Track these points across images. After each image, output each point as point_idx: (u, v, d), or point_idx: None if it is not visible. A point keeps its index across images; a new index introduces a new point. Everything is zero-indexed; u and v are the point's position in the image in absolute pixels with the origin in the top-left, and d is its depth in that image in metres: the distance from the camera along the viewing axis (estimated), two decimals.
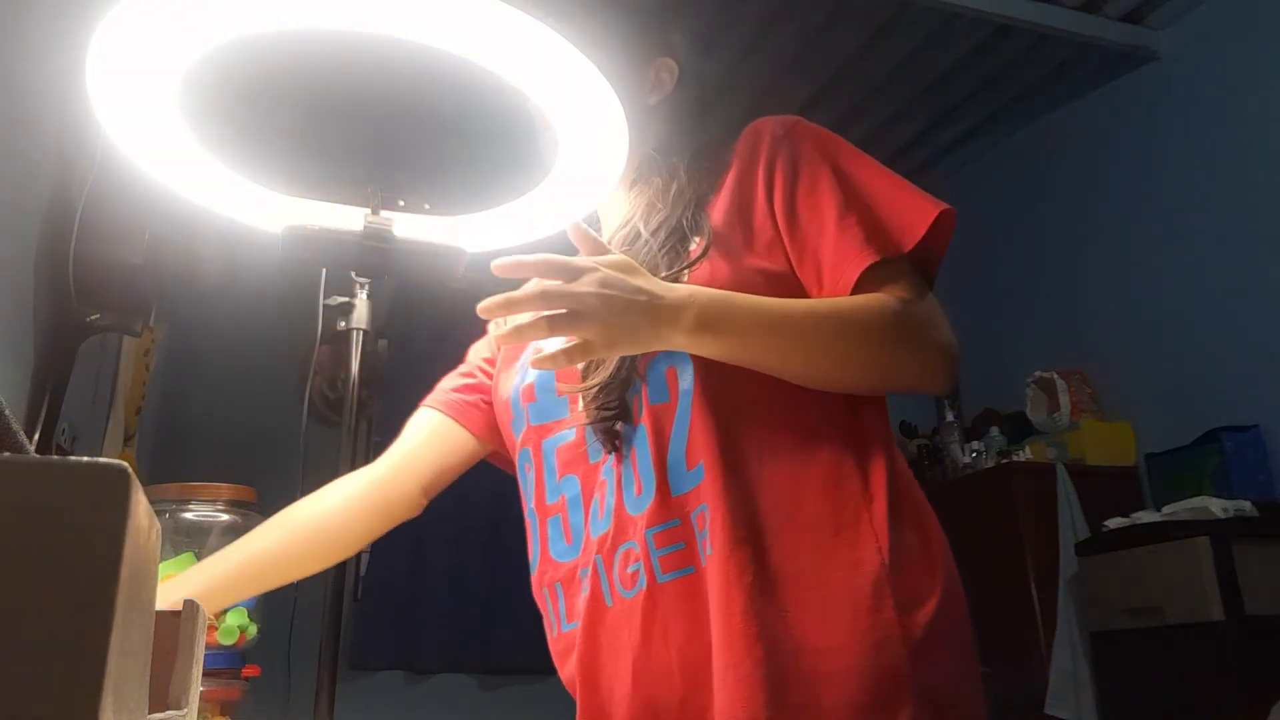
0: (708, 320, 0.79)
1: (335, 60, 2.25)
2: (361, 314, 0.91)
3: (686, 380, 0.87)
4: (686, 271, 0.89)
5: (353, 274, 0.92)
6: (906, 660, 0.78)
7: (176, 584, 0.96)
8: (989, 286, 3.88)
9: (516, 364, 1.04)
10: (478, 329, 1.17)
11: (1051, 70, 3.40)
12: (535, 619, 0.99)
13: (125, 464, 0.27)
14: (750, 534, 0.82)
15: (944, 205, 0.87)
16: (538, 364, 0.80)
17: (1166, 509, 2.67)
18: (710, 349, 0.82)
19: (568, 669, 0.93)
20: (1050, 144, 3.68)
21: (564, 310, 0.76)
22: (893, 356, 0.85)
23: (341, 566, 0.92)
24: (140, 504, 0.29)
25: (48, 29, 1.15)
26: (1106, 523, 2.78)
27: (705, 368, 0.86)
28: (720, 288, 0.85)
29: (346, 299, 0.91)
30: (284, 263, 0.89)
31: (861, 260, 0.85)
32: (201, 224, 1.43)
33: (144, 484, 0.31)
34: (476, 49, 0.82)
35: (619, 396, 0.89)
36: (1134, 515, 2.74)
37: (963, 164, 4.06)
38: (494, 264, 0.77)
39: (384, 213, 0.92)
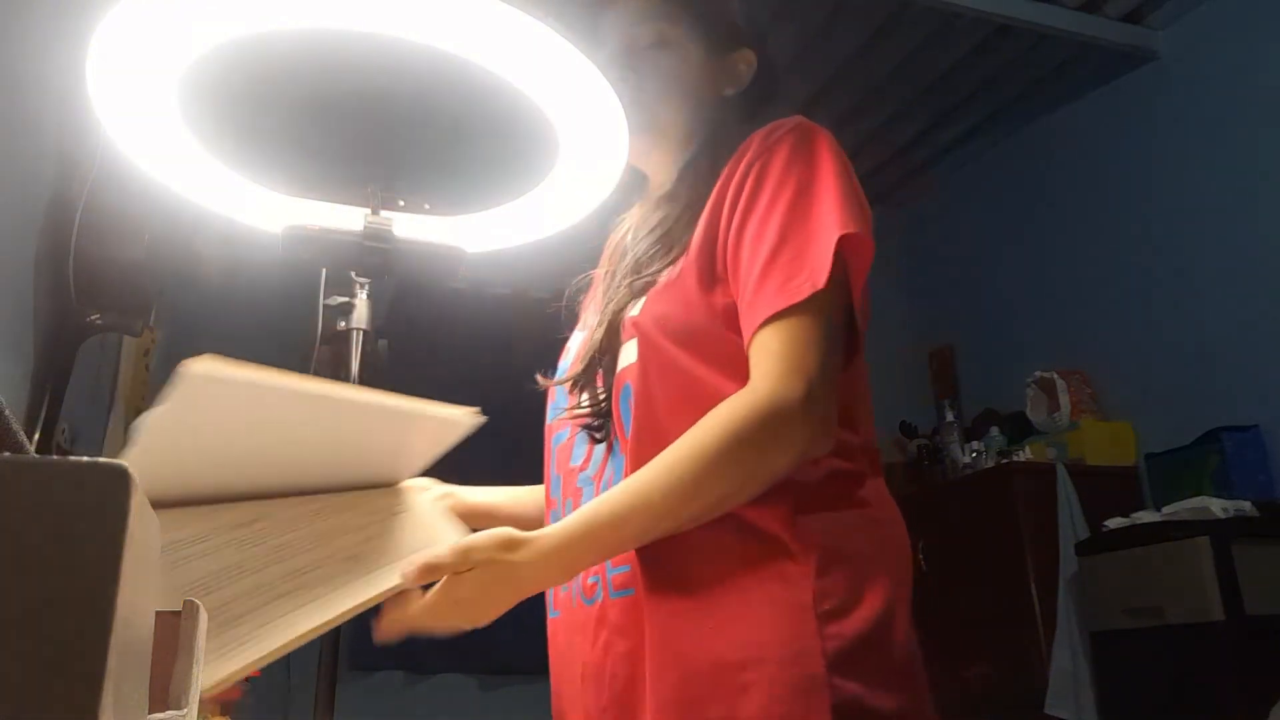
0: (569, 561, 0.80)
1: (335, 60, 2.24)
2: (361, 314, 0.91)
3: (627, 420, 0.90)
4: (654, 281, 0.92)
5: (353, 274, 0.92)
6: (824, 671, 0.77)
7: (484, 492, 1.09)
8: (989, 286, 3.88)
9: (564, 355, 1.08)
10: (478, 329, 1.17)
11: (1051, 70, 3.40)
12: (536, 619, 1.00)
13: (125, 464, 0.27)
14: (678, 557, 0.83)
15: (844, 229, 0.83)
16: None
17: (1166, 509, 2.67)
18: (578, 570, 0.84)
19: (551, 654, 0.98)
20: (1050, 144, 3.68)
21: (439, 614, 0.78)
22: (760, 468, 0.81)
23: None
24: (140, 504, 0.29)
25: (48, 29, 1.15)
26: (1106, 523, 2.78)
27: (642, 406, 0.88)
28: (659, 317, 0.89)
29: (346, 299, 0.91)
30: (284, 263, 0.89)
31: (767, 307, 0.84)
32: (201, 224, 1.44)
33: None
34: (477, 49, 0.82)
35: (589, 393, 0.95)
36: (1134, 515, 2.74)
37: (963, 164, 4.06)
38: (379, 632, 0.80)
39: (384, 213, 0.92)
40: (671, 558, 0.84)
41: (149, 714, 0.40)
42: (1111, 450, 3.17)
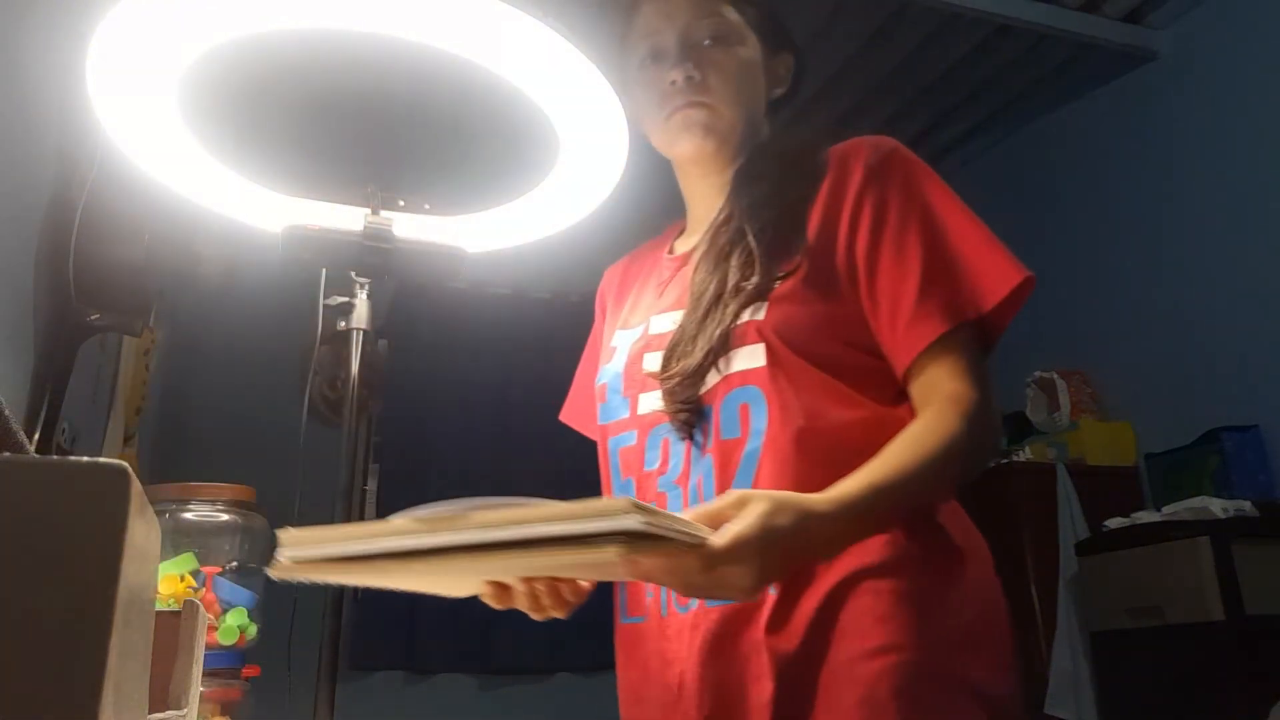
0: (843, 540, 0.80)
1: (335, 60, 2.25)
2: (361, 314, 0.91)
3: (760, 420, 0.88)
4: (774, 287, 0.90)
5: (353, 274, 0.92)
6: (958, 661, 0.82)
7: None
8: None
9: (604, 353, 1.07)
10: (478, 329, 1.17)
11: (1051, 70, 3.40)
12: (534, 620, 1.00)
13: (125, 464, 0.27)
14: (802, 588, 0.83)
15: (1027, 272, 0.88)
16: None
17: (1166, 509, 2.67)
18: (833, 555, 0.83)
19: (632, 661, 0.95)
20: (1050, 144, 3.68)
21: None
22: (967, 469, 0.87)
23: None
24: (140, 504, 0.29)
25: (48, 29, 1.15)
26: (1106, 523, 2.77)
27: (783, 412, 0.86)
28: (789, 325, 0.88)
29: (346, 299, 0.91)
30: (284, 263, 0.89)
31: (934, 328, 0.86)
32: (201, 224, 1.44)
33: (144, 484, 0.31)
34: (477, 49, 0.82)
35: (697, 390, 0.90)
36: (1134, 515, 2.74)
37: (963, 164, 4.06)
38: None
39: (384, 213, 0.92)
40: (802, 592, 0.84)
41: (149, 714, 0.40)
42: (1111, 450, 3.16)
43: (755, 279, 0.90)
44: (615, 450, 0.98)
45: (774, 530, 0.69)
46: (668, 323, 0.97)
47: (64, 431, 1.29)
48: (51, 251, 1.18)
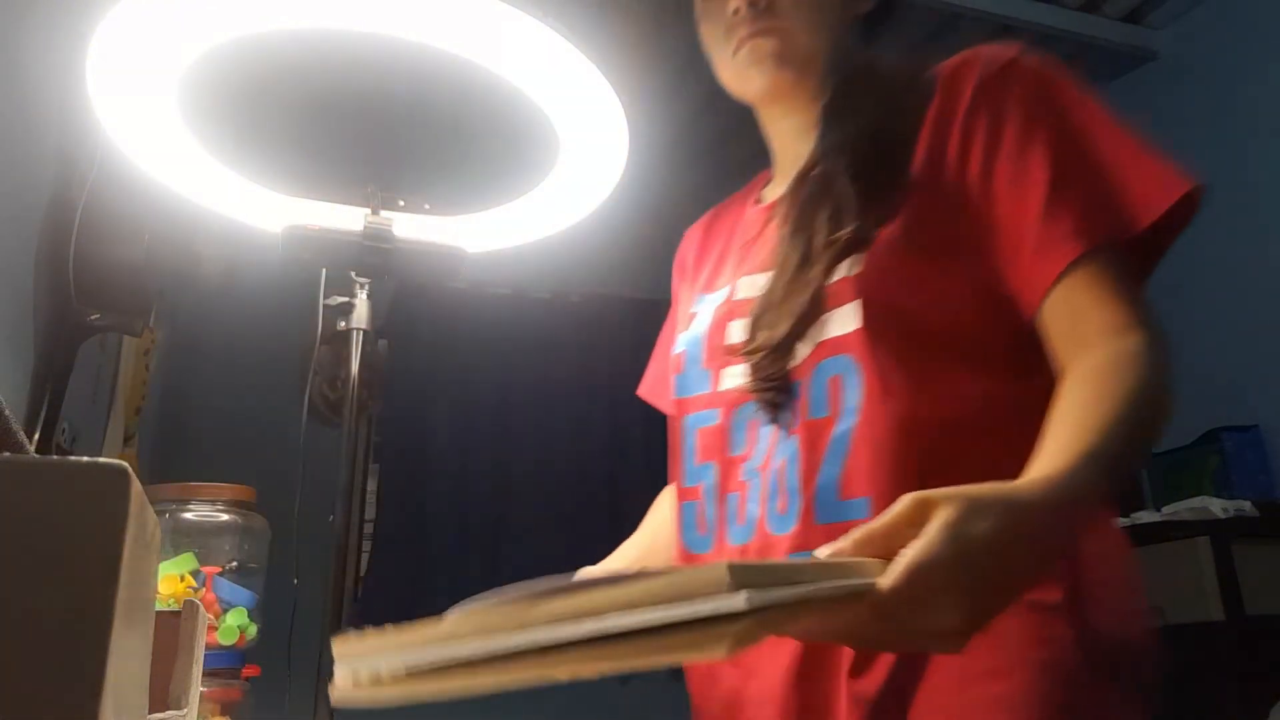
0: (1066, 535, 0.61)
1: (335, 60, 2.25)
2: (361, 314, 0.91)
3: (854, 395, 0.72)
4: (872, 237, 0.75)
5: (353, 274, 0.92)
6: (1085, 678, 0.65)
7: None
8: None
9: (678, 328, 0.94)
10: (478, 329, 1.17)
11: None
12: None
13: (125, 464, 0.27)
14: None
15: (1194, 181, 0.71)
16: None
17: (1166, 509, 2.67)
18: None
19: (697, 669, 0.84)
20: None
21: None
22: (1165, 413, 0.70)
23: (342, 566, 0.92)
24: (140, 504, 0.29)
25: (48, 29, 1.15)
26: None
27: (882, 384, 0.71)
28: (891, 279, 0.73)
29: (346, 299, 0.92)
30: (284, 263, 0.89)
31: (1067, 250, 0.68)
32: (201, 224, 1.43)
33: (144, 484, 0.31)
34: (477, 49, 0.82)
35: (784, 365, 0.76)
36: (1134, 515, 2.74)
37: None
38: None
39: (384, 213, 0.92)
40: None
41: (149, 714, 0.40)
42: None
43: (849, 229, 0.75)
44: (693, 429, 0.85)
45: (972, 543, 0.50)
46: (756, 286, 0.83)
47: (64, 431, 1.29)
48: (51, 251, 1.18)
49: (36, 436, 1.15)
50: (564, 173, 0.96)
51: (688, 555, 0.85)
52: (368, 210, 0.91)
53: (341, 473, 0.97)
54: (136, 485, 0.28)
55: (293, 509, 1.26)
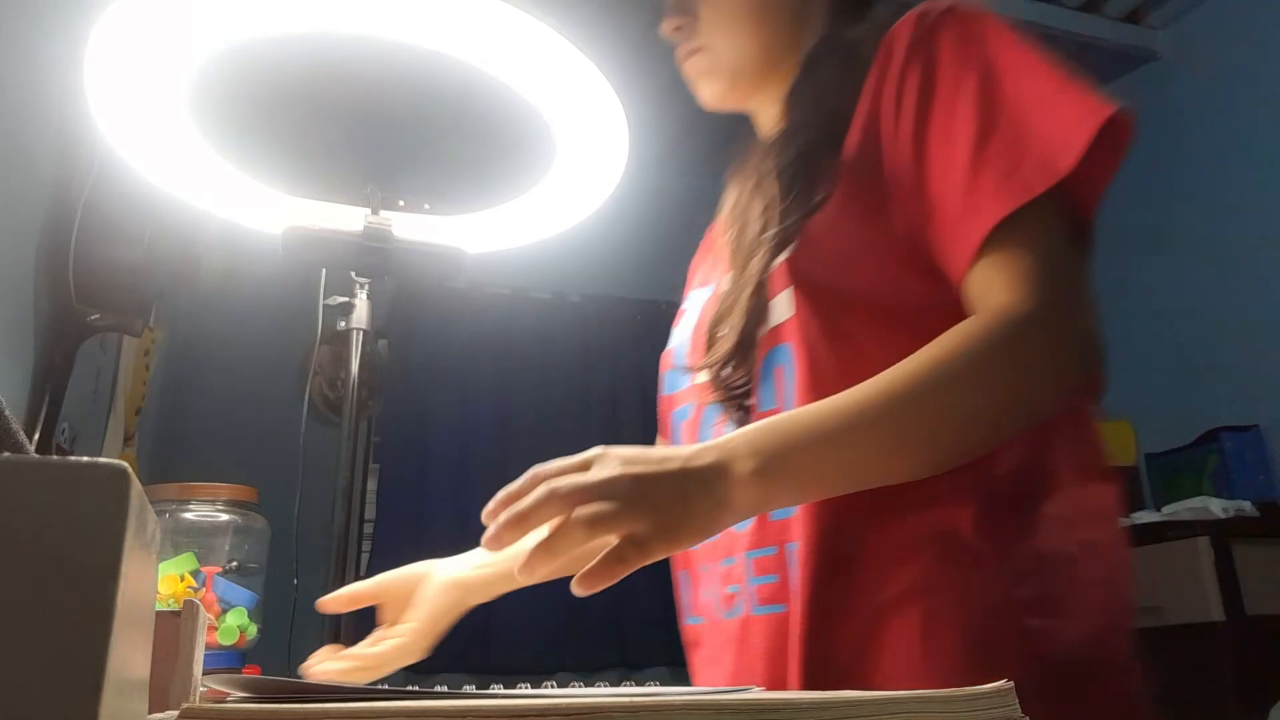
0: (768, 465, 0.60)
1: (336, 62, 2.25)
2: (361, 314, 0.91)
3: (790, 384, 0.71)
4: (803, 225, 0.73)
5: (353, 274, 0.92)
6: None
7: (469, 560, 0.94)
8: None
9: (678, 319, 0.93)
10: (478, 329, 1.16)
11: None
12: (535, 619, 0.99)
13: (125, 464, 0.27)
14: (840, 590, 0.67)
15: (1111, 108, 0.65)
16: (577, 585, 0.57)
17: (1166, 509, 2.67)
18: (784, 498, 0.65)
19: (692, 664, 0.84)
20: None
21: (596, 507, 0.56)
22: (1016, 399, 0.63)
23: (342, 567, 0.92)
24: (140, 504, 0.29)
25: (48, 29, 1.15)
26: None
27: (812, 371, 0.69)
28: (821, 259, 0.71)
29: (346, 299, 0.92)
30: (284, 263, 0.89)
31: (986, 217, 0.64)
32: (201, 224, 1.43)
33: (144, 484, 0.31)
34: (476, 50, 0.82)
35: (741, 373, 0.75)
36: (1134, 515, 2.74)
37: None
38: (484, 514, 0.59)
39: (384, 213, 0.92)
40: (840, 595, 0.67)
41: (149, 714, 0.40)
42: (1111, 450, 3.16)
43: (778, 221, 0.75)
44: (678, 423, 0.86)
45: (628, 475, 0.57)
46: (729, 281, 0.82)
47: (64, 431, 1.29)
48: (51, 252, 1.18)
49: (36, 436, 1.15)
50: (564, 173, 0.96)
51: (682, 554, 0.85)
52: (368, 210, 0.91)
53: (341, 473, 0.97)
54: (136, 485, 0.28)
55: (293, 509, 1.26)
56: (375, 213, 0.91)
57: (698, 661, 0.83)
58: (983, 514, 0.66)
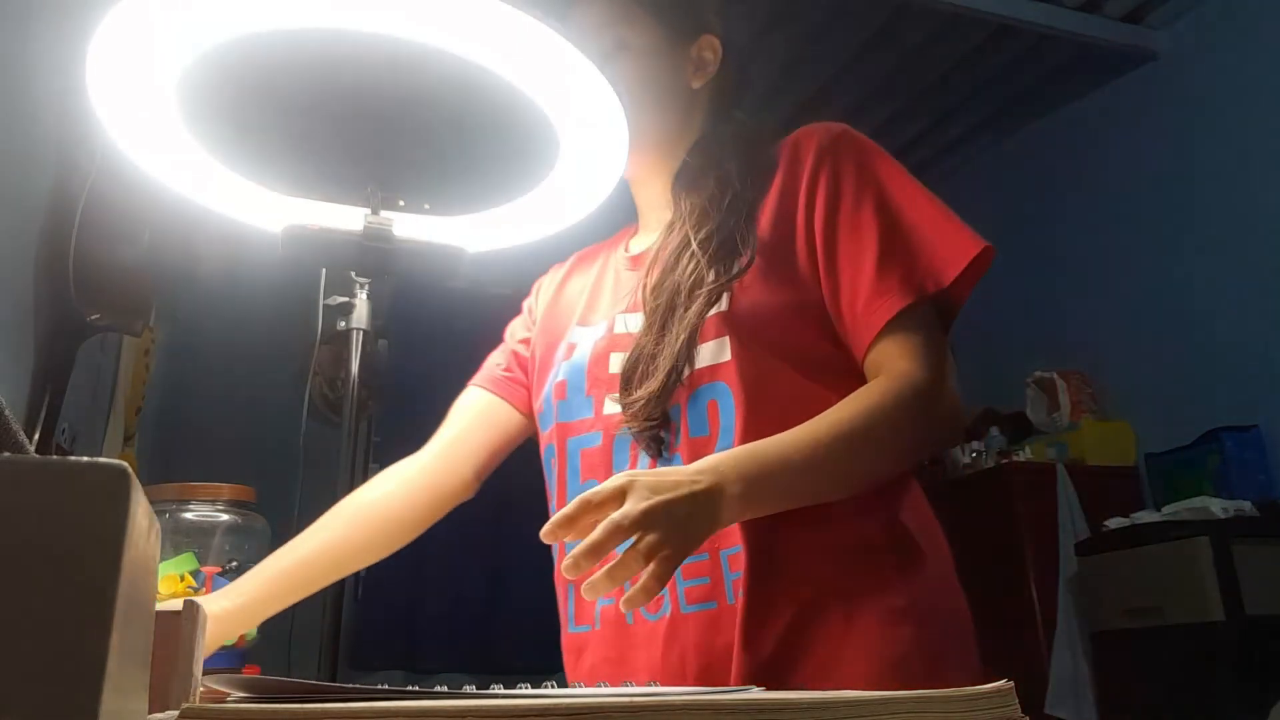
0: (749, 489, 0.75)
1: (335, 60, 2.24)
2: (361, 314, 0.91)
3: (729, 416, 0.86)
4: (731, 285, 0.88)
5: (353, 274, 0.92)
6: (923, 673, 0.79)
7: (229, 591, 0.93)
8: (989, 286, 3.87)
9: (555, 355, 1.02)
10: (478, 329, 1.17)
11: (1051, 70, 3.40)
12: (535, 619, 1.00)
13: (125, 464, 0.27)
14: (781, 585, 0.82)
15: (985, 243, 0.87)
16: (629, 604, 0.69)
17: (1166, 509, 2.67)
18: (756, 514, 0.80)
19: (578, 670, 0.93)
20: (1050, 144, 3.68)
21: (649, 539, 0.69)
22: (913, 444, 0.85)
23: None
24: (140, 504, 0.29)
25: (48, 29, 1.15)
26: (1106, 523, 2.78)
27: (750, 406, 0.85)
28: (753, 316, 0.86)
29: (346, 299, 0.92)
30: (284, 263, 0.89)
31: (893, 303, 0.84)
32: (201, 224, 1.43)
33: (144, 484, 0.31)
34: (477, 49, 0.82)
35: (664, 408, 0.88)
36: (1134, 515, 2.74)
37: (963, 164, 4.06)
38: (544, 534, 0.73)
39: (384, 213, 0.92)
40: (781, 589, 0.82)
41: (149, 714, 0.40)
42: (1111, 450, 3.16)
43: (710, 281, 0.89)
44: (575, 451, 0.96)
45: (653, 504, 0.69)
46: (629, 324, 0.95)
47: (64, 431, 1.28)
48: (51, 252, 1.18)
49: (36, 436, 1.15)
50: (564, 173, 0.96)
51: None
52: (368, 210, 0.91)
53: (341, 473, 0.97)
54: (136, 485, 0.27)
55: (293, 509, 1.26)
56: (375, 213, 0.91)
57: (587, 665, 0.91)
58: (891, 526, 0.85)
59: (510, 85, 0.86)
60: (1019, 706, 0.42)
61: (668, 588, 0.84)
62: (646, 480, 0.71)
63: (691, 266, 0.90)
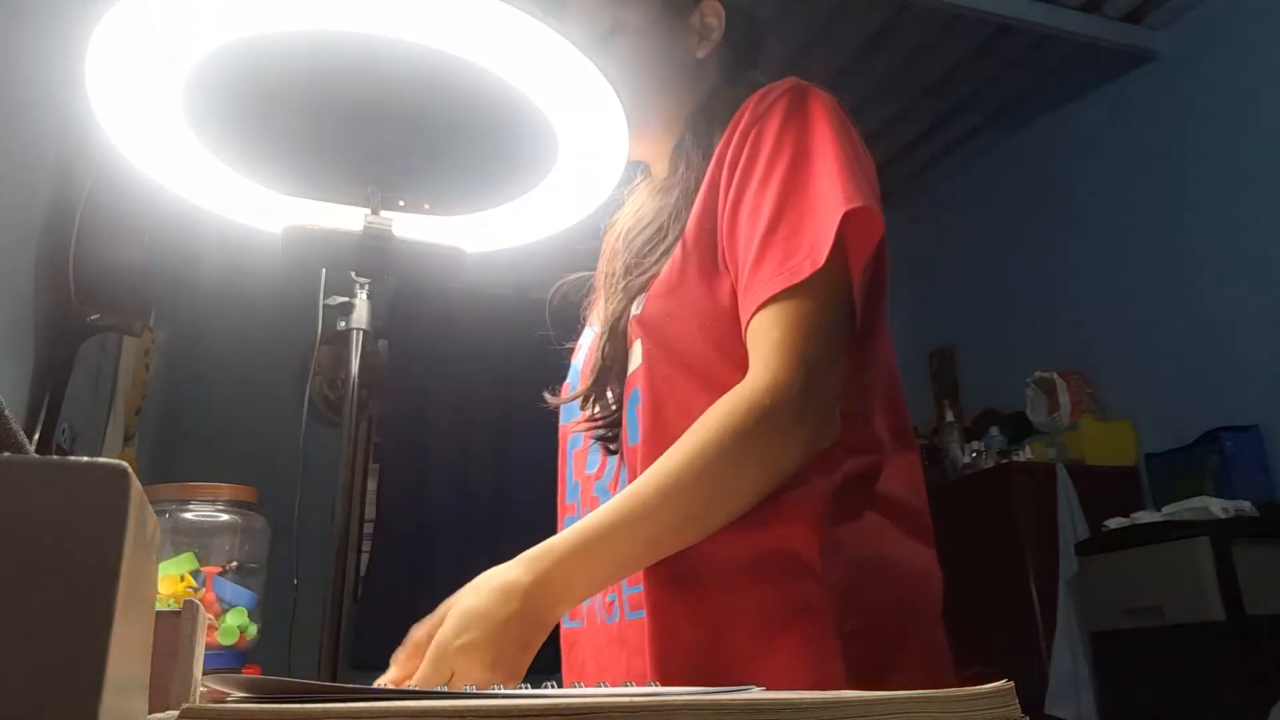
0: (548, 589, 0.71)
1: (335, 61, 2.24)
2: (361, 314, 0.91)
3: (644, 426, 0.82)
4: (655, 270, 0.84)
5: (353, 274, 0.92)
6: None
7: None
8: (989, 286, 3.88)
9: (573, 362, 1.02)
10: (478, 329, 1.16)
11: (1052, 70, 3.40)
12: None
13: (125, 464, 0.27)
14: (686, 599, 0.76)
15: (852, 204, 0.74)
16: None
17: (1166, 509, 2.67)
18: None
19: (570, 664, 0.94)
20: (1050, 144, 3.68)
21: (453, 681, 0.71)
22: (764, 465, 0.74)
23: (342, 567, 0.92)
24: (140, 504, 0.29)
25: (48, 29, 1.15)
26: (1106, 523, 2.78)
27: (653, 417, 0.80)
28: (656, 323, 0.82)
29: (346, 299, 0.91)
30: (284, 263, 0.89)
31: (759, 295, 0.76)
32: (201, 224, 1.43)
33: (144, 484, 0.31)
34: (477, 49, 0.82)
35: (597, 408, 0.88)
36: (1134, 515, 2.74)
37: (963, 164, 4.06)
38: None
39: (384, 213, 0.92)
40: (681, 579, 0.76)
41: (149, 714, 0.40)
42: (1111, 450, 3.17)
43: (636, 273, 0.85)
44: (570, 450, 0.96)
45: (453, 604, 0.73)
46: None
47: (64, 431, 1.29)
48: (51, 252, 1.18)
49: (36, 436, 1.15)
50: (564, 173, 0.96)
51: None
52: (368, 210, 0.91)
53: (341, 473, 0.97)
54: (136, 485, 0.28)
55: (293, 509, 1.26)
56: (375, 213, 0.91)
57: (577, 661, 0.91)
58: (813, 533, 0.75)
59: (510, 85, 0.86)
60: (1019, 706, 0.42)
61: (616, 592, 0.84)
62: (462, 607, 0.73)
63: (623, 261, 0.88)
